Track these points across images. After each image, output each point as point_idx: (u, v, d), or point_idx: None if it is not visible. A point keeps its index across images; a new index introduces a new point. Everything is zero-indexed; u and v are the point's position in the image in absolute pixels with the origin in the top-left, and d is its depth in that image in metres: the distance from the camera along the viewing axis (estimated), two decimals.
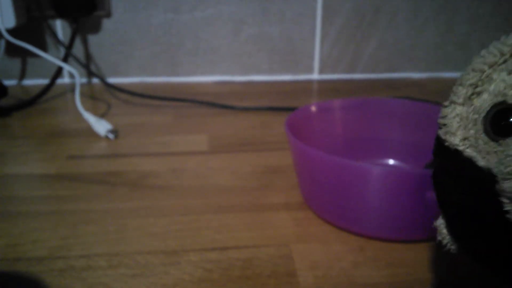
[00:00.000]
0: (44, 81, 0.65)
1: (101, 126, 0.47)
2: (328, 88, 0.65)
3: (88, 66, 0.65)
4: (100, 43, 0.65)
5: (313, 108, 0.38)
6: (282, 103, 0.57)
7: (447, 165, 0.21)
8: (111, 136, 0.46)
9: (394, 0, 0.67)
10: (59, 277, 0.26)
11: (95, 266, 0.27)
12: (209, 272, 0.27)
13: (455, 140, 0.20)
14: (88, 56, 0.66)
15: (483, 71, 0.20)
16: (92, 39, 0.65)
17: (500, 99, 0.19)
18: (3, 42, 0.60)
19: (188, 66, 0.67)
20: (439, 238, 0.21)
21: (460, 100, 0.21)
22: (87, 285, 0.25)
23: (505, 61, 0.20)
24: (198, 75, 0.68)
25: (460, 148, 0.20)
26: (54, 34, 0.59)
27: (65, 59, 0.59)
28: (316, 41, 0.68)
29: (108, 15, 0.64)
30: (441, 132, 0.21)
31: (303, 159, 0.31)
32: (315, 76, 0.70)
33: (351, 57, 0.69)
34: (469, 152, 0.20)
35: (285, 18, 0.66)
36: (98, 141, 0.46)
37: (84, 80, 0.67)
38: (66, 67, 0.52)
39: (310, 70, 0.69)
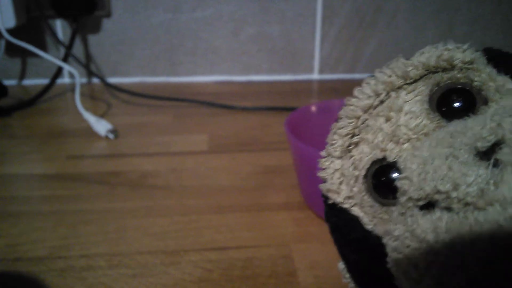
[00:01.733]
0: (44, 81, 0.65)
1: (101, 126, 0.47)
2: (328, 88, 0.65)
3: (88, 66, 0.65)
4: (100, 43, 0.65)
5: (313, 108, 0.38)
6: (282, 103, 0.57)
7: (335, 220, 0.18)
8: (111, 136, 0.46)
9: (394, 0, 0.67)
10: (59, 277, 0.26)
11: (95, 266, 0.27)
12: (209, 272, 0.27)
13: (338, 198, 0.17)
14: (88, 56, 0.66)
15: (357, 117, 0.17)
16: (92, 39, 0.65)
17: (379, 154, 0.16)
18: (3, 42, 0.60)
19: (188, 66, 0.67)
20: (343, 280, 0.19)
21: (337, 153, 0.18)
22: (87, 285, 0.25)
23: (381, 102, 0.17)
24: (198, 75, 0.68)
25: (345, 206, 0.17)
26: (54, 34, 0.59)
27: (65, 59, 0.59)
28: (316, 41, 0.68)
29: (108, 15, 0.64)
30: (322, 188, 0.18)
31: (303, 159, 0.31)
32: (315, 76, 0.70)
33: (351, 57, 0.69)
34: (355, 211, 0.17)
35: (285, 18, 0.66)
36: (98, 141, 0.46)
37: (84, 80, 0.67)
38: (66, 67, 0.52)
39: (310, 70, 0.69)
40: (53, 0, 0.59)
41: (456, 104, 0.16)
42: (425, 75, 0.17)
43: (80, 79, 0.66)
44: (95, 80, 0.67)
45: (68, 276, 0.26)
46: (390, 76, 0.17)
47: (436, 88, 0.17)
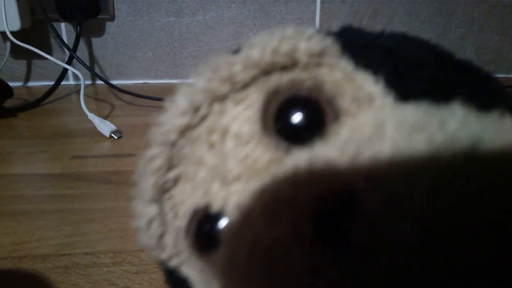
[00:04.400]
0: (49, 83, 0.66)
1: (105, 127, 0.47)
2: None
3: (92, 68, 0.66)
4: (104, 45, 0.66)
5: None
6: None
7: (167, 279, 0.14)
8: (115, 136, 0.47)
9: (391, 3, 0.67)
10: (64, 274, 0.26)
11: (99, 263, 0.27)
12: None
13: (162, 254, 0.13)
14: (92, 58, 0.67)
15: (172, 143, 0.12)
16: (96, 41, 0.66)
17: (202, 200, 0.12)
18: (8, 45, 0.61)
19: (190, 68, 0.68)
20: None
21: (150, 196, 0.12)
22: (92, 281, 0.26)
23: (203, 119, 0.12)
24: None
25: (173, 264, 0.13)
26: (59, 37, 0.60)
27: (69, 62, 0.60)
28: None
29: (112, 18, 0.65)
30: (139, 241, 0.13)
31: None
32: None
33: None
34: (187, 270, 0.13)
35: (285, 21, 0.67)
36: (102, 141, 0.46)
37: (88, 82, 0.68)
38: (71, 69, 0.53)
39: None
40: (57, 3, 0.60)
41: (297, 122, 0.11)
42: (259, 77, 0.12)
43: (85, 81, 0.66)
44: (99, 82, 0.68)
45: (73, 273, 0.26)
46: (210, 81, 0.12)
47: (273, 97, 0.12)
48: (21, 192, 0.36)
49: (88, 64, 0.66)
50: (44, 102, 0.58)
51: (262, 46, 0.12)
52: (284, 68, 0.12)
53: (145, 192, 0.13)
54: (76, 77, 0.67)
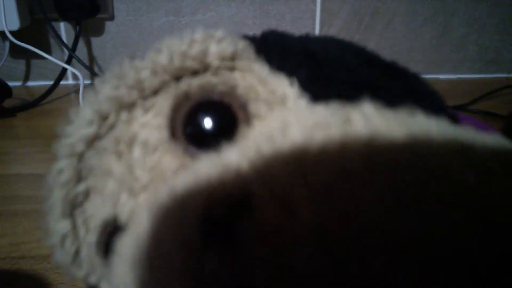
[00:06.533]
0: (48, 83, 0.66)
1: None
2: None
3: (91, 67, 0.66)
4: (103, 45, 0.66)
5: None
6: None
7: None
8: None
9: (391, 3, 0.67)
10: (63, 275, 0.26)
11: None
12: None
13: (78, 273, 0.12)
14: (91, 58, 0.67)
15: (79, 155, 0.12)
16: (96, 41, 0.66)
17: (109, 212, 0.11)
18: (7, 44, 0.61)
19: None
20: None
21: (59, 211, 0.12)
22: None
23: (110, 129, 0.12)
24: None
25: (92, 282, 0.12)
26: (58, 36, 0.60)
27: (68, 61, 0.60)
28: None
29: (111, 18, 0.65)
30: (54, 260, 0.13)
31: None
32: None
33: None
34: (104, 287, 0.12)
35: (285, 21, 0.67)
36: None
37: (87, 81, 0.68)
38: (70, 69, 0.53)
39: None
40: (56, 3, 0.60)
41: (207, 128, 0.11)
42: (168, 82, 0.12)
43: (84, 81, 0.67)
44: None
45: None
46: (117, 88, 0.12)
47: (182, 102, 0.11)
48: (20, 193, 0.36)
49: (87, 63, 0.66)
50: (43, 101, 0.59)
51: (170, 50, 0.12)
52: (195, 73, 0.12)
53: (55, 207, 0.12)
54: (75, 77, 0.67)
